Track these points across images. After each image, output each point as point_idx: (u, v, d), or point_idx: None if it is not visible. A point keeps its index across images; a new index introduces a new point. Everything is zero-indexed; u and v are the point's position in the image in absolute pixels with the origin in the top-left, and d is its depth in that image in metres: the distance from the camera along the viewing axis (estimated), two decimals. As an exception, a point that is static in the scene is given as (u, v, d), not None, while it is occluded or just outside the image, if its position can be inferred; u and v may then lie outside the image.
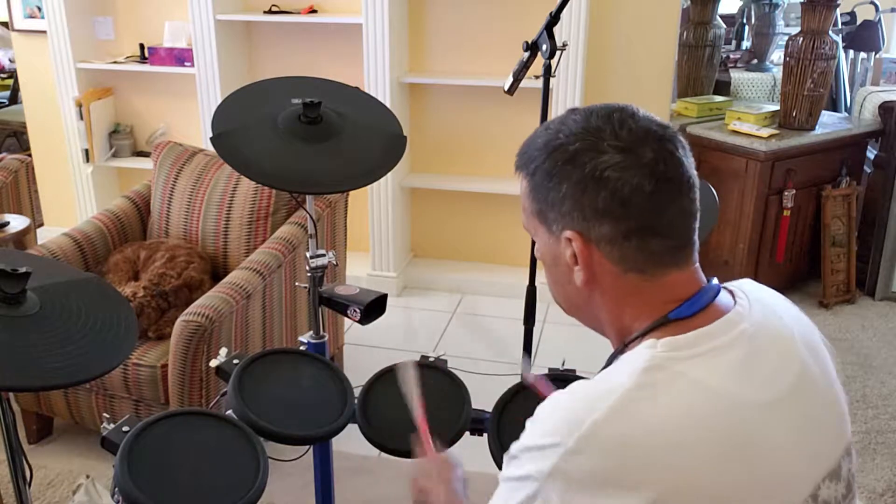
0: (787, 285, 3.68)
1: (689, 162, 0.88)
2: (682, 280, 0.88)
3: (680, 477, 0.76)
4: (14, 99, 5.83)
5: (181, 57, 3.60)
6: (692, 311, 0.86)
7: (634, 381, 0.80)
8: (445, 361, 1.70)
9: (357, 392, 1.60)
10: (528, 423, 0.84)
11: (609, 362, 0.90)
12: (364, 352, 3.12)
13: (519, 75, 2.04)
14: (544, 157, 0.89)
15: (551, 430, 0.80)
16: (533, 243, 1.05)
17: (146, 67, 3.68)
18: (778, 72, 4.42)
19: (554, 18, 1.94)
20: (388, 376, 1.66)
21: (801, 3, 3.42)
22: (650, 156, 0.84)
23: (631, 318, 0.89)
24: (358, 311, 1.66)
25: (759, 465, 0.80)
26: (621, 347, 0.89)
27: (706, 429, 0.78)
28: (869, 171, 3.70)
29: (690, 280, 0.88)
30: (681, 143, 0.88)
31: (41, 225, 4.15)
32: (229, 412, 1.47)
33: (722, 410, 0.80)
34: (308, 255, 1.70)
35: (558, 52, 1.94)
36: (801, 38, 3.39)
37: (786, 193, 3.39)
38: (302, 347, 1.76)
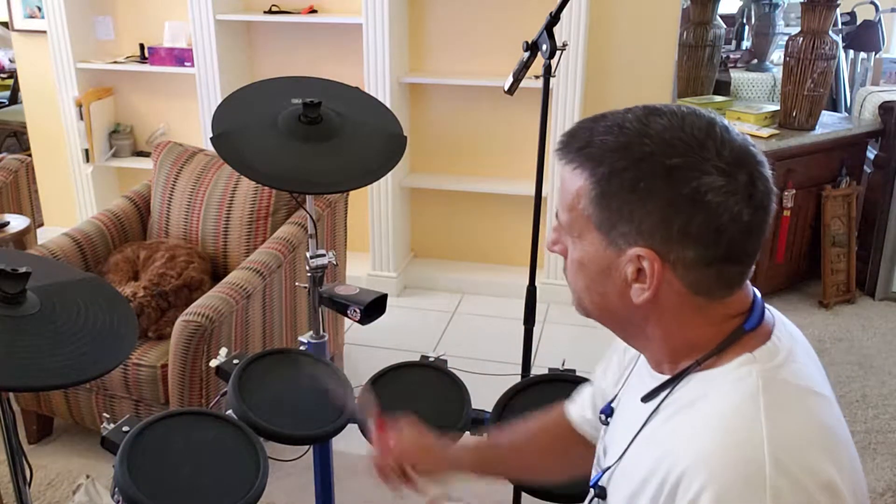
0: (787, 285, 3.68)
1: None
2: (741, 295, 0.86)
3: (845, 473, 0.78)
4: (14, 99, 5.83)
5: (181, 57, 3.60)
6: (759, 319, 0.85)
7: (765, 402, 0.78)
8: (445, 361, 1.70)
9: (357, 392, 1.60)
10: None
11: (675, 379, 0.86)
12: (364, 352, 3.11)
13: (519, 75, 2.04)
14: (626, 164, 0.79)
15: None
16: (545, 241, 0.98)
17: (146, 67, 3.68)
18: (778, 72, 4.43)
19: (554, 18, 1.94)
20: (388, 376, 1.66)
21: (801, 3, 3.42)
22: (746, 180, 0.78)
23: (691, 336, 0.85)
24: (358, 311, 1.66)
25: (853, 450, 0.82)
26: (693, 365, 0.84)
27: (831, 429, 0.80)
28: (869, 171, 3.70)
29: (745, 292, 0.87)
30: (769, 166, 0.82)
31: (41, 225, 4.15)
32: (229, 412, 1.47)
33: (828, 408, 0.82)
34: (308, 255, 1.70)
35: (558, 52, 1.94)
36: (801, 38, 3.39)
37: (786, 193, 3.39)
38: (302, 347, 1.76)
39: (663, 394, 0.87)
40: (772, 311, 0.89)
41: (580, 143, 0.84)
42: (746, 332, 0.84)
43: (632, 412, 0.92)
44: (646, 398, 0.89)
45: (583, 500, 1.01)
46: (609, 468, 0.95)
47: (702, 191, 0.77)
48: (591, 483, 0.99)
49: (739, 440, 0.76)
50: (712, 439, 0.77)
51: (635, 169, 0.79)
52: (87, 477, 1.88)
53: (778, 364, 0.82)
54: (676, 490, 0.77)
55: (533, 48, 1.99)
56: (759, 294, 0.88)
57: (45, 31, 3.69)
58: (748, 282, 0.87)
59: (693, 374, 0.84)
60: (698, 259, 0.80)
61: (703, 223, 0.78)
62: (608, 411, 1.02)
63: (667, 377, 0.88)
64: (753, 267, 0.85)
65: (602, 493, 0.95)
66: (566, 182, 0.85)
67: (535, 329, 2.17)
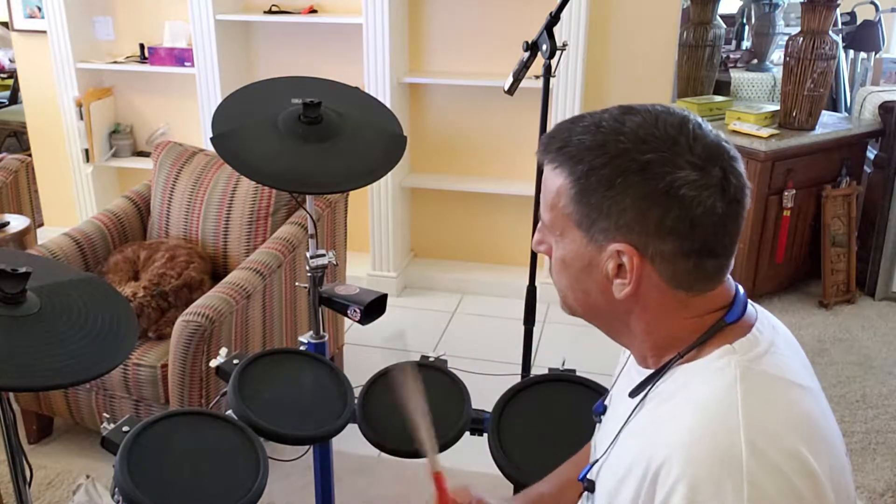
0: (787, 285, 3.67)
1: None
2: (722, 289, 0.87)
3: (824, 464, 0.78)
4: (14, 99, 5.83)
5: (181, 57, 3.60)
6: (741, 313, 0.87)
7: (742, 391, 0.79)
8: (445, 361, 1.70)
9: (357, 392, 1.60)
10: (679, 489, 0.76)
11: (659, 373, 0.87)
12: (364, 352, 3.11)
13: (519, 75, 2.05)
14: (603, 161, 0.81)
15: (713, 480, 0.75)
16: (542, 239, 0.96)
17: (146, 67, 3.68)
18: (778, 72, 4.42)
19: (554, 18, 1.94)
20: (388, 376, 1.66)
21: (801, 3, 3.41)
22: (719, 174, 0.80)
23: (673, 329, 0.86)
24: (358, 311, 1.66)
25: (839, 445, 0.83)
26: (676, 357, 0.86)
27: (810, 419, 0.80)
28: (869, 171, 3.70)
29: (727, 286, 0.88)
30: (741, 161, 0.85)
31: (41, 225, 4.15)
32: (229, 412, 1.47)
33: (809, 398, 0.83)
34: (308, 255, 1.70)
35: (558, 52, 1.94)
36: (801, 38, 3.39)
37: (786, 193, 3.39)
38: (302, 347, 1.76)
39: (648, 387, 0.88)
40: (755, 307, 0.91)
41: (559, 144, 0.86)
42: (728, 324, 0.85)
43: (621, 408, 0.94)
44: (633, 393, 0.91)
45: None
46: (597, 461, 0.96)
47: (676, 185, 0.79)
48: (579, 477, 1.00)
49: (715, 428, 0.77)
50: (689, 428, 0.78)
51: (612, 165, 0.81)
52: (87, 477, 1.88)
53: (757, 355, 0.83)
54: (657, 479, 0.79)
55: (533, 48, 1.99)
56: (741, 289, 0.90)
57: (45, 31, 3.68)
58: (730, 277, 0.89)
59: (675, 366, 0.86)
60: (675, 252, 0.81)
61: (679, 216, 0.80)
62: (601, 409, 1.04)
63: (651, 371, 0.89)
64: (732, 261, 0.87)
65: (591, 487, 0.96)
66: (547, 182, 0.88)
67: (535, 329, 2.17)
